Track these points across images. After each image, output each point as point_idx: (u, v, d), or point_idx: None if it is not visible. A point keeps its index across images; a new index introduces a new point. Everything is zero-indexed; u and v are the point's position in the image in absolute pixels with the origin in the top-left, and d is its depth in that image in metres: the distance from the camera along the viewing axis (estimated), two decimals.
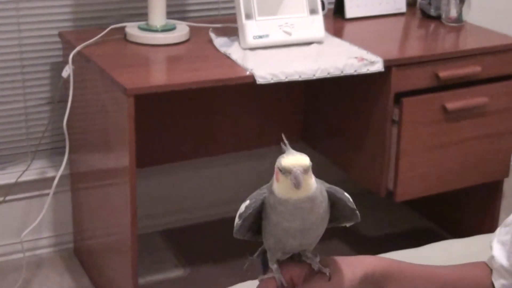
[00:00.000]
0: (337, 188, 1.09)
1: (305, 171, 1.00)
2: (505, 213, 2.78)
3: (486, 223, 2.71)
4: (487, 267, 1.27)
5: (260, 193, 1.07)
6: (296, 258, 1.12)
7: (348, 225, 1.14)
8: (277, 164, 1.02)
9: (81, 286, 2.52)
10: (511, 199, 3.07)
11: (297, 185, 0.99)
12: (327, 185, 1.08)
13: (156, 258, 2.66)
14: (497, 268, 1.24)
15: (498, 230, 1.29)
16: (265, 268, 1.15)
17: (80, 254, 2.64)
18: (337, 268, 1.10)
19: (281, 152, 1.04)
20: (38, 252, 2.66)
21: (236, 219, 1.09)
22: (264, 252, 1.14)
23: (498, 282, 1.24)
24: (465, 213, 2.81)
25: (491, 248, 1.27)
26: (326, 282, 1.08)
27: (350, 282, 1.10)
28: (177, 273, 2.60)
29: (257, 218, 1.09)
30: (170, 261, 2.66)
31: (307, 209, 1.03)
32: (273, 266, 1.10)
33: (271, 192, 1.04)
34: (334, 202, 1.08)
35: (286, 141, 1.05)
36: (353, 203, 1.09)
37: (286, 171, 1.00)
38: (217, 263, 2.64)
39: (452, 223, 2.87)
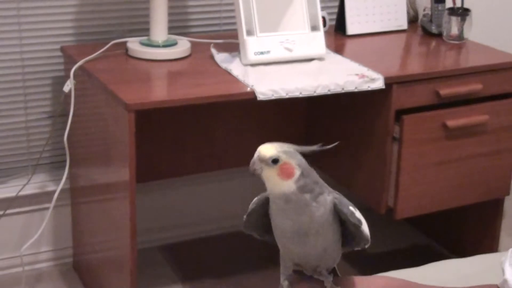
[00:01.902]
0: (344, 201, 1.07)
1: (262, 161, 1.02)
2: (506, 232, 2.77)
3: (487, 242, 2.70)
4: None
5: (264, 194, 1.10)
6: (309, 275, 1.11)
7: (356, 248, 1.13)
8: None
9: None
10: None
11: (250, 170, 1.04)
12: (336, 195, 1.07)
13: (155, 273, 2.65)
14: None
15: (510, 252, 1.28)
16: None
17: (79, 269, 2.63)
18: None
19: None
20: (37, 266, 2.65)
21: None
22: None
23: None
24: (465, 231, 2.80)
25: (502, 270, 1.25)
26: None
27: None
28: None
29: (268, 219, 1.10)
30: (169, 277, 2.65)
31: (281, 207, 1.02)
32: (284, 283, 1.09)
33: None
34: (340, 216, 1.07)
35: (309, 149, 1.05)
36: (358, 219, 1.07)
37: None
38: (217, 278, 2.63)
39: (452, 241, 2.86)
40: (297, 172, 1.02)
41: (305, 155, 1.06)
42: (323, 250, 1.07)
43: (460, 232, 2.82)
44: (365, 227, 1.09)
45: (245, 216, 1.12)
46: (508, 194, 2.62)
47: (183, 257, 2.77)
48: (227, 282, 2.60)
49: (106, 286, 2.40)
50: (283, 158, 1.01)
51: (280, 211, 1.04)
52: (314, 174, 1.05)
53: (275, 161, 1.01)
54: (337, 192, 1.08)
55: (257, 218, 1.12)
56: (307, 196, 1.02)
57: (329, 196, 1.05)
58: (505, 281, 1.24)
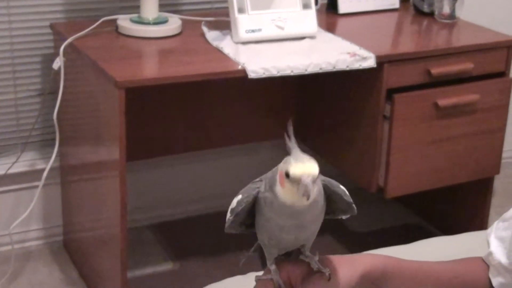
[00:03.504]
0: (333, 181, 1.05)
1: (313, 180, 0.94)
2: (496, 211, 2.78)
3: (477, 220, 2.71)
4: (483, 263, 1.25)
5: (253, 188, 1.04)
6: (294, 257, 1.10)
7: (344, 217, 1.12)
8: (283, 168, 0.96)
9: (69, 279, 2.52)
10: (501, 196, 3.07)
11: (307, 196, 0.94)
12: (322, 177, 1.05)
13: (145, 252, 2.65)
14: (495, 265, 1.22)
15: (495, 224, 1.27)
16: (263, 262, 1.12)
17: (69, 247, 2.63)
18: (336, 267, 1.08)
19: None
20: (27, 244, 2.65)
21: (228, 214, 1.06)
22: (260, 247, 1.12)
23: (496, 279, 1.22)
24: (455, 210, 2.81)
25: (488, 243, 1.25)
26: (326, 282, 1.06)
27: (350, 282, 1.08)
28: (166, 267, 2.59)
29: (250, 213, 1.06)
30: (159, 255, 2.65)
31: (305, 212, 1.00)
32: (271, 267, 1.07)
33: (271, 191, 0.99)
34: (329, 195, 1.06)
35: (291, 134, 0.99)
36: (349, 196, 1.07)
37: (294, 180, 0.94)
38: (207, 257, 2.64)
39: (443, 220, 2.87)
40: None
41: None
42: (312, 233, 1.06)
43: (450, 210, 2.84)
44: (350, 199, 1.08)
45: (230, 217, 1.05)
46: (498, 173, 2.63)
47: (174, 236, 2.77)
48: (217, 260, 2.60)
49: (96, 265, 2.40)
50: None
51: (291, 215, 1.01)
52: None
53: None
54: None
55: (244, 217, 1.08)
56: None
57: (319, 182, 1.03)
58: (490, 254, 1.24)
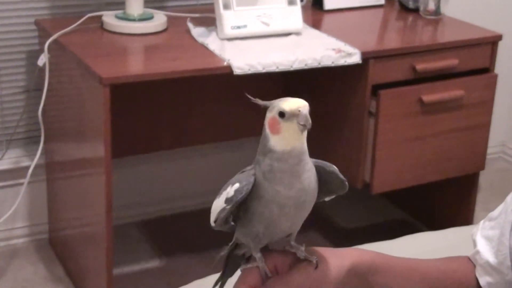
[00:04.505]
0: (326, 162, 1.05)
1: (308, 112, 0.93)
2: (481, 206, 2.80)
3: (462, 216, 2.72)
4: (470, 262, 1.24)
5: (249, 174, 1.00)
6: (280, 247, 1.09)
7: (328, 199, 1.10)
8: (276, 111, 0.94)
9: (55, 276, 2.51)
10: (486, 192, 3.08)
11: (308, 125, 0.92)
12: (313, 159, 1.04)
13: (131, 249, 2.65)
14: (483, 264, 1.22)
15: (481, 224, 1.26)
16: (225, 268, 1.12)
17: (55, 244, 2.62)
18: (323, 257, 1.07)
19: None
20: (12, 242, 2.63)
21: (222, 204, 1.00)
22: (230, 251, 1.10)
23: (483, 278, 1.21)
24: (441, 205, 2.82)
25: (474, 242, 1.24)
26: (313, 269, 1.03)
27: (338, 271, 1.06)
28: (152, 263, 2.59)
29: (235, 208, 1.04)
30: (145, 252, 2.65)
31: (303, 164, 0.96)
32: (257, 255, 1.05)
33: (266, 154, 0.97)
34: (322, 177, 1.04)
35: (255, 99, 0.98)
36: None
37: (291, 115, 0.92)
38: (193, 254, 2.63)
39: (428, 215, 2.88)
40: None
41: None
42: (303, 219, 1.04)
43: (436, 206, 2.85)
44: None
45: (227, 206, 0.99)
46: (483, 168, 2.64)
47: (159, 233, 2.77)
48: (203, 257, 2.60)
49: (82, 262, 2.39)
50: None
51: (293, 169, 0.97)
52: None
53: None
54: None
55: (233, 209, 1.05)
56: None
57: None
58: (477, 252, 1.23)
